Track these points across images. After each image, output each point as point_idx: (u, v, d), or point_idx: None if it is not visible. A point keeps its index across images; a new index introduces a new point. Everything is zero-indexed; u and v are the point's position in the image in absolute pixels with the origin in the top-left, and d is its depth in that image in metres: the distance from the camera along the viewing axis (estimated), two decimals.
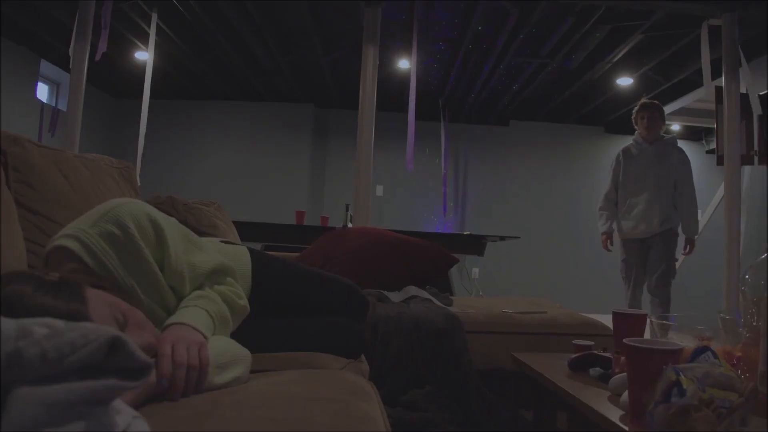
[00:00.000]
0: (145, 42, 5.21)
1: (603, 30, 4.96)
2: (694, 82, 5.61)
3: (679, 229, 3.84)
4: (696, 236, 3.80)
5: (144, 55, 5.55)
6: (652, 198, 3.74)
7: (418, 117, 4.89)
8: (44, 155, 1.33)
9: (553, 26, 4.96)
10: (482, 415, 1.86)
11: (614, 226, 3.95)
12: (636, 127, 3.91)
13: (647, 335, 1.44)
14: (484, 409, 1.89)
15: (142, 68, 5.38)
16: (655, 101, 3.97)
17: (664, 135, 3.91)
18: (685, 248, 3.87)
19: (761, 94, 4.35)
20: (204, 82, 6.95)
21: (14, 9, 4.83)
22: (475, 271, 7.26)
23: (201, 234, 1.67)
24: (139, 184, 1.83)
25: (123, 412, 0.59)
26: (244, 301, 1.14)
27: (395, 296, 2.34)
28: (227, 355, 0.97)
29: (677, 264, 3.86)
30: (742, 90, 4.27)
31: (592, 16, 4.65)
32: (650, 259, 3.80)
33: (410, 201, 7.53)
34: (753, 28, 4.52)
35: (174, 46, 5.74)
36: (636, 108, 3.92)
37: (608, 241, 3.95)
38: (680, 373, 0.88)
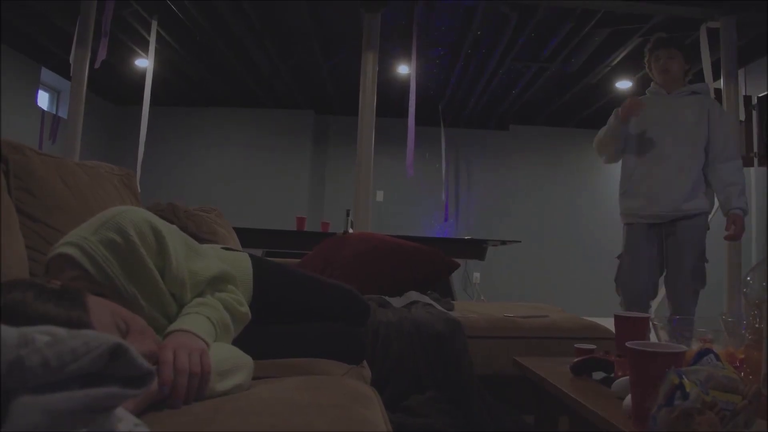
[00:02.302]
0: (145, 49, 5.23)
1: (602, 33, 4.98)
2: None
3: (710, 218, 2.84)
4: (743, 211, 2.65)
5: (144, 62, 5.57)
6: (672, 167, 2.68)
7: (418, 122, 4.90)
8: (45, 163, 1.33)
9: (552, 30, 4.97)
10: (483, 419, 1.86)
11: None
12: (650, 74, 2.90)
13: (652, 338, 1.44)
14: (486, 413, 1.88)
15: (142, 75, 5.39)
16: (675, 34, 2.88)
17: (691, 82, 2.86)
18: (728, 227, 2.67)
19: (760, 95, 4.36)
20: (204, 88, 6.97)
21: (15, 16, 4.85)
22: (476, 275, 7.26)
23: (201, 241, 1.67)
24: (139, 191, 1.83)
25: (125, 419, 0.58)
26: (245, 308, 1.13)
27: (396, 301, 2.34)
28: (229, 361, 0.97)
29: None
30: (742, 91, 4.27)
31: (591, 20, 4.66)
32: (669, 255, 2.74)
33: (411, 206, 7.53)
34: (751, 30, 4.53)
35: (174, 53, 5.76)
36: (648, 47, 2.88)
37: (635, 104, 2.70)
38: (683, 376, 0.88)
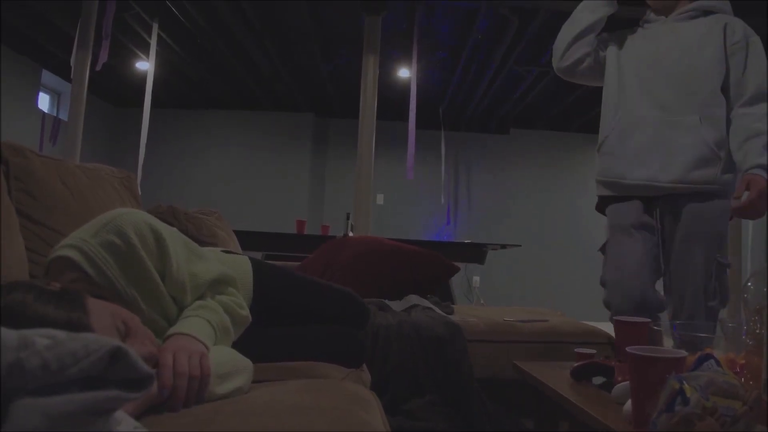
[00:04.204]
0: (146, 51, 5.24)
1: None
2: None
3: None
4: (766, 171, 1.73)
5: (145, 65, 5.58)
6: (671, 118, 1.86)
7: (418, 125, 4.90)
8: (45, 165, 1.33)
9: (553, 34, 4.96)
10: (483, 423, 1.86)
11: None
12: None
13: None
14: (485, 417, 1.88)
15: (143, 77, 5.40)
16: None
17: (695, 5, 1.96)
18: (739, 192, 1.76)
19: None
20: (205, 90, 6.98)
21: (16, 18, 4.86)
22: (476, 279, 7.25)
23: (202, 243, 1.67)
24: (139, 193, 1.83)
25: (124, 422, 0.58)
26: (245, 311, 1.13)
27: (396, 305, 2.34)
28: (229, 364, 0.97)
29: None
30: None
31: None
32: (669, 251, 1.90)
33: (411, 209, 7.53)
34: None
35: (175, 56, 5.77)
36: None
37: None
38: (683, 382, 0.88)
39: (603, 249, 2.07)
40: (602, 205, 2.08)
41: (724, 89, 1.86)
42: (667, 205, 1.89)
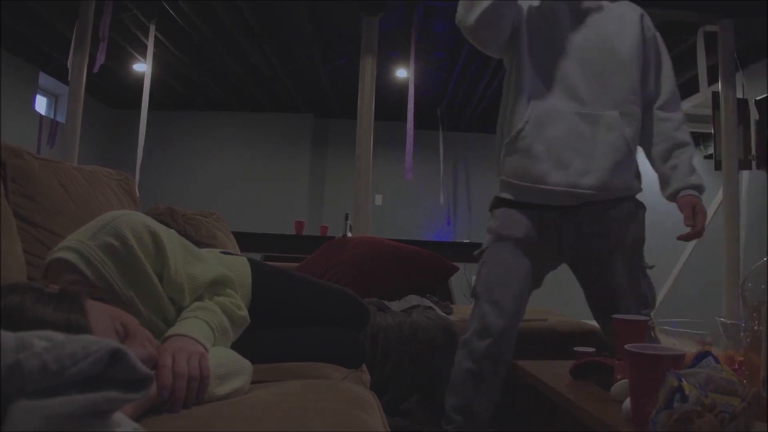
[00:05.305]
0: (144, 53, 5.23)
1: None
2: (690, 88, 5.63)
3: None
4: (699, 191, 1.71)
5: (142, 67, 5.57)
6: (589, 112, 1.66)
7: (417, 126, 4.90)
8: (43, 167, 1.33)
9: None
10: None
11: None
12: None
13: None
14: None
15: (140, 79, 5.39)
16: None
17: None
18: (688, 218, 1.67)
19: (758, 98, 4.37)
20: (203, 92, 6.97)
21: (13, 21, 4.85)
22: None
23: (200, 245, 1.67)
24: (137, 195, 1.83)
25: (123, 423, 0.58)
26: (244, 312, 1.13)
27: (396, 305, 2.34)
28: (227, 365, 0.96)
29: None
30: (739, 95, 4.29)
31: None
32: (584, 263, 1.77)
33: (410, 210, 7.53)
34: (749, 34, 4.54)
35: (172, 57, 5.77)
36: None
37: None
38: (682, 379, 0.88)
39: (480, 255, 1.79)
40: (494, 204, 1.82)
41: (640, 89, 1.73)
42: (577, 213, 1.69)
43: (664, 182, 1.74)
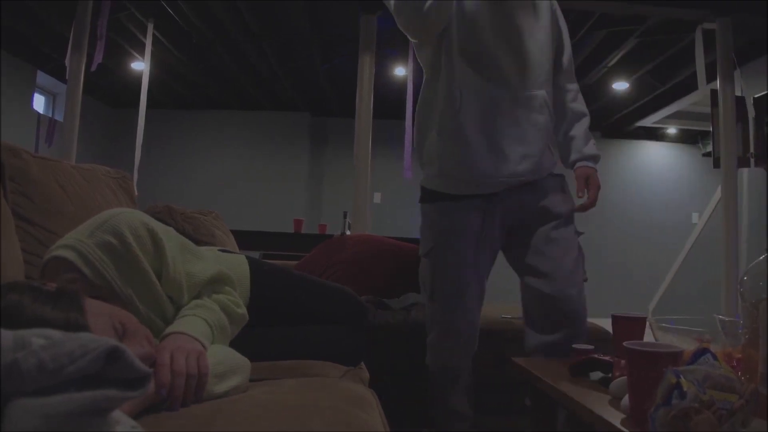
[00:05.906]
0: (142, 52, 5.22)
1: (598, 35, 4.99)
2: (689, 86, 5.64)
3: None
4: (593, 160, 1.74)
5: (140, 65, 5.56)
6: (520, 94, 1.63)
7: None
8: (41, 166, 1.32)
9: None
10: (479, 420, 1.86)
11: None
12: None
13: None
14: (481, 414, 1.89)
15: (138, 78, 5.39)
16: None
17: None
18: (580, 189, 1.72)
19: (757, 96, 4.38)
20: (201, 90, 6.96)
21: (11, 20, 4.84)
22: None
23: (199, 243, 1.67)
24: (136, 193, 1.83)
25: (122, 422, 0.58)
26: (242, 310, 1.13)
27: (395, 303, 2.34)
28: (226, 363, 0.96)
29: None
30: (737, 93, 4.29)
31: (587, 22, 4.67)
32: (533, 234, 1.71)
33: (408, 208, 7.51)
34: (747, 32, 4.55)
35: (170, 56, 5.75)
36: None
37: None
38: (680, 376, 0.88)
39: (428, 255, 1.74)
40: (431, 198, 1.75)
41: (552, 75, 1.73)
42: (516, 197, 1.68)
43: (562, 153, 1.77)
